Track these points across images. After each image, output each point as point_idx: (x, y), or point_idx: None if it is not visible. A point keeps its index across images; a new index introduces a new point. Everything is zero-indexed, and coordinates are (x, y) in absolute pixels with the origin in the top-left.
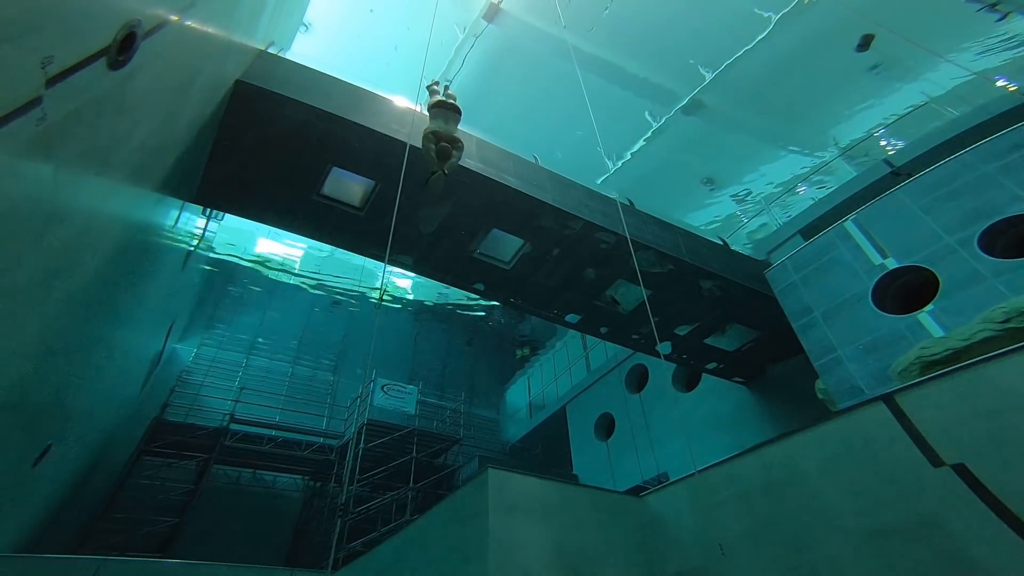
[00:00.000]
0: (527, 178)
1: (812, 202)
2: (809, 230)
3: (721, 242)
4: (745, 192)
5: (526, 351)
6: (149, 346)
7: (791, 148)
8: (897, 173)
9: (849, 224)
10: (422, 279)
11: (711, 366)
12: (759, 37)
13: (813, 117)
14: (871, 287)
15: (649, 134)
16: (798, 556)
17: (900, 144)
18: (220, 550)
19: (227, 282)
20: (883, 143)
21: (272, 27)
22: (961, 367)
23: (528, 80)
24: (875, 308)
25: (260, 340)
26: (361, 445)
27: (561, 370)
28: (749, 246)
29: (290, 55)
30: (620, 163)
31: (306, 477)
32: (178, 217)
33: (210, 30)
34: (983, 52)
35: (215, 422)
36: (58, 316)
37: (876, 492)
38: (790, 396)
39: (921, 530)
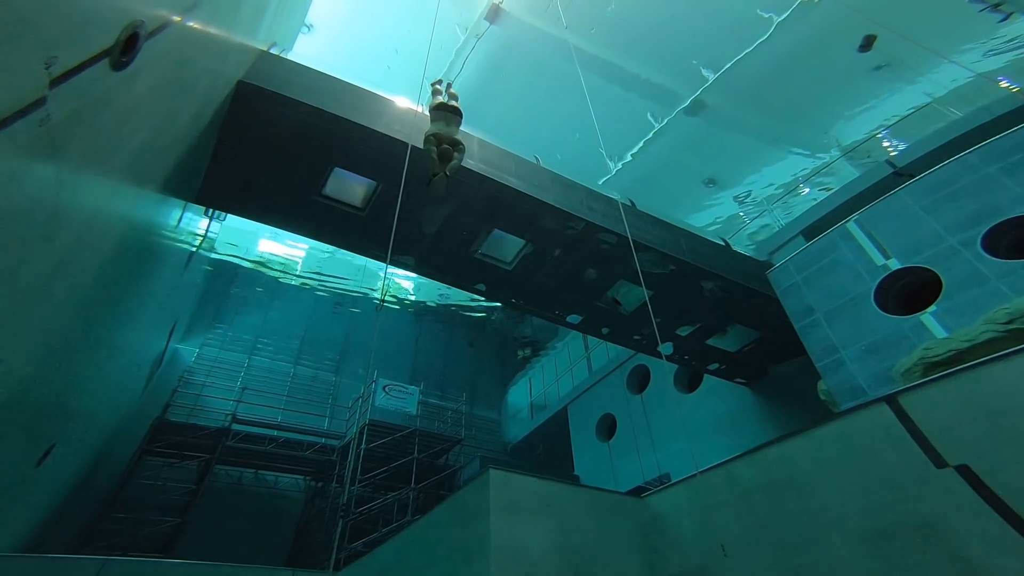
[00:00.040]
0: (528, 179)
1: (814, 203)
2: (811, 231)
3: (723, 243)
4: (747, 193)
5: (527, 352)
6: (151, 346)
7: (793, 149)
8: (899, 174)
9: (851, 225)
10: (424, 280)
11: (713, 367)
12: (761, 38)
13: (815, 118)
14: (873, 288)
15: (651, 135)
16: (799, 557)
17: (902, 145)
18: (222, 550)
19: (229, 283)
20: (885, 144)
21: (274, 28)
22: (964, 368)
23: (529, 80)
24: (878, 309)
25: (262, 340)
26: (363, 445)
27: (563, 371)
28: (751, 247)
29: (292, 56)
30: (621, 164)
31: (308, 477)
32: (180, 218)
33: (213, 31)
34: (986, 53)
35: (217, 422)
36: (60, 316)
37: (878, 493)
38: (792, 397)
39: (923, 531)
